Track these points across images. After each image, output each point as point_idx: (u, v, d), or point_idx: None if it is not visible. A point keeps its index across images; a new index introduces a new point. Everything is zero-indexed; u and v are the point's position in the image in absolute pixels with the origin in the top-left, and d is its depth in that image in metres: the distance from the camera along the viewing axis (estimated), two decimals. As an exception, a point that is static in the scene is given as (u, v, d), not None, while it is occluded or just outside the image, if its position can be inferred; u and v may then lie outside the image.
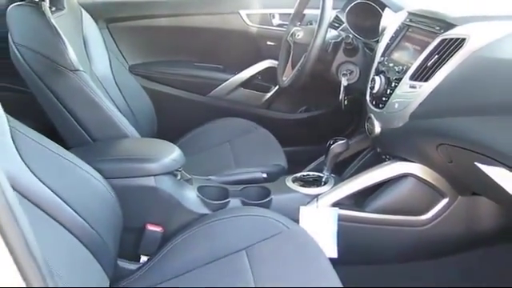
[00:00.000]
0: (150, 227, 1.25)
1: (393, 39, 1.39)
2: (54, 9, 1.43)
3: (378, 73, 1.36)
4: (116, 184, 1.13)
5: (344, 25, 1.73)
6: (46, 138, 1.01)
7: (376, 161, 1.42)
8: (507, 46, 1.00)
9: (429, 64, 1.14)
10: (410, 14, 1.39)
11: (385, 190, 1.34)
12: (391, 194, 1.33)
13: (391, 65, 1.33)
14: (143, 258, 1.25)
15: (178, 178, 1.32)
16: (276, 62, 1.86)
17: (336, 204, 1.34)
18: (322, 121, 2.02)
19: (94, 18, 1.73)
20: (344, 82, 1.54)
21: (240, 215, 1.23)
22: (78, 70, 1.30)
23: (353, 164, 1.58)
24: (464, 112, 1.03)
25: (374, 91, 1.32)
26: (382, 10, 1.53)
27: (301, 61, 1.54)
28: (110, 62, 1.72)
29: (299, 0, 1.73)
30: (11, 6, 1.33)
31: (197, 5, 2.00)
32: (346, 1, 1.80)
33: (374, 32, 1.53)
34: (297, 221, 1.30)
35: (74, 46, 1.34)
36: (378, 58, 1.41)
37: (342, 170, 1.57)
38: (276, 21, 2.02)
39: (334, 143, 1.39)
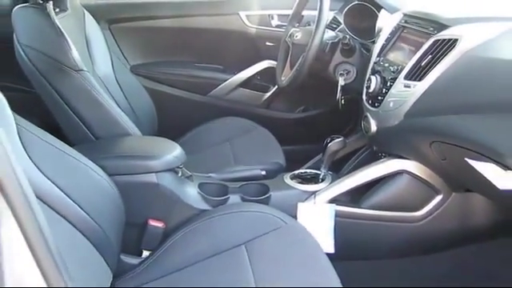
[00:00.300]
0: (152, 222, 1.27)
1: (388, 40, 1.42)
2: (57, 10, 1.45)
3: (373, 73, 1.38)
4: (119, 180, 1.15)
5: (341, 26, 1.75)
6: (50, 135, 1.02)
7: (372, 159, 1.44)
8: (498, 46, 1.03)
9: (422, 64, 1.17)
10: (405, 15, 1.41)
11: (380, 186, 1.36)
12: (386, 190, 1.35)
13: (387, 65, 1.35)
14: (145, 253, 1.26)
15: (179, 174, 1.34)
16: (275, 63, 1.87)
17: (333, 200, 1.36)
18: (320, 120, 2.04)
19: (96, 19, 1.74)
20: (341, 81, 1.56)
21: (239, 211, 1.25)
22: (81, 70, 1.31)
23: (350, 162, 1.60)
24: (456, 110, 1.05)
25: (370, 90, 1.35)
26: (379, 12, 1.55)
27: (299, 61, 1.56)
28: (111, 62, 1.73)
29: (298, 1, 1.75)
30: (16, 8, 1.35)
31: (197, 6, 2.02)
32: (343, 2, 1.83)
33: (371, 33, 1.55)
34: (295, 217, 1.32)
35: (77, 46, 1.35)
36: (373, 58, 1.43)
37: (339, 167, 1.59)
38: (275, 22, 2.04)
39: (331, 141, 1.41)
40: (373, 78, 1.35)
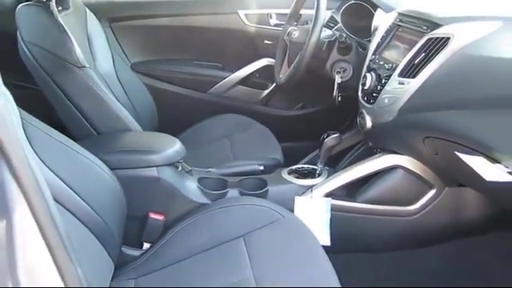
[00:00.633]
0: (153, 215, 1.29)
1: (384, 38, 1.44)
2: (60, 8, 1.46)
3: (369, 70, 1.41)
4: (121, 174, 1.17)
5: (338, 25, 1.78)
6: (54, 130, 1.04)
7: (368, 154, 1.47)
8: (488, 44, 1.05)
9: (416, 62, 1.19)
10: (400, 14, 1.43)
11: (375, 181, 1.39)
12: (381, 185, 1.37)
13: (382, 62, 1.37)
14: (146, 245, 1.29)
15: (179, 169, 1.36)
16: (273, 61, 1.88)
17: (329, 194, 1.39)
18: (317, 117, 2.05)
19: (97, 17, 1.76)
20: (338, 79, 1.58)
21: (238, 204, 1.27)
22: (84, 67, 1.34)
23: (346, 157, 1.62)
24: (447, 106, 1.08)
25: (366, 87, 1.36)
26: (375, 11, 1.57)
27: (296, 59, 1.58)
28: (112, 59, 1.74)
29: (295, 0, 1.76)
30: (20, 6, 1.36)
31: (197, 5, 2.03)
32: (340, 1, 1.84)
33: (367, 31, 1.58)
34: (292, 210, 1.35)
35: (79, 44, 1.37)
36: (369, 56, 1.45)
37: (335, 163, 1.61)
38: (273, 21, 2.05)
39: (327, 137, 1.44)
40: (368, 75, 1.37)
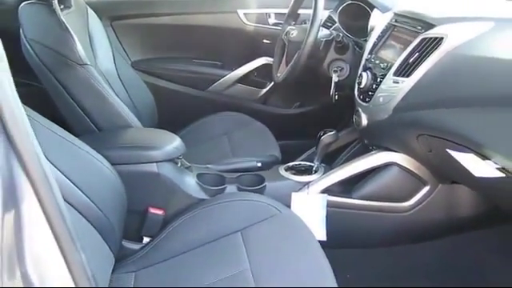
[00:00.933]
0: (152, 210, 1.31)
1: (380, 38, 1.46)
2: (62, 6, 1.46)
3: (365, 69, 1.43)
4: (121, 170, 1.19)
5: (336, 24, 1.79)
6: (56, 126, 1.06)
7: (363, 151, 1.48)
8: (481, 44, 1.07)
9: (410, 61, 1.21)
10: (395, 14, 1.45)
11: (370, 178, 1.41)
12: (376, 181, 1.39)
13: (377, 62, 1.39)
14: (145, 239, 1.30)
15: (179, 165, 1.38)
16: (272, 59, 1.89)
17: (325, 191, 1.41)
18: (315, 115, 2.06)
19: (98, 16, 1.76)
20: (335, 78, 1.60)
21: (236, 200, 1.28)
22: (85, 64, 1.35)
23: (342, 155, 1.64)
24: (440, 105, 1.10)
25: (361, 86, 1.39)
26: (371, 11, 1.59)
27: (294, 58, 1.59)
28: (113, 57, 1.75)
29: (294, 0, 1.77)
30: (23, 4, 1.37)
31: (196, 4, 2.04)
32: (338, 1, 1.86)
33: (364, 31, 1.59)
34: (289, 206, 1.36)
35: (81, 42, 1.38)
36: (365, 56, 1.47)
37: (332, 160, 1.63)
38: (272, 20, 2.06)
39: (324, 134, 1.46)
40: (364, 74, 1.39)
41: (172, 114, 1.89)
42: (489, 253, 1.50)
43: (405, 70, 1.23)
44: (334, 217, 1.39)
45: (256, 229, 1.16)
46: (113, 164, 1.17)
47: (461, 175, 1.10)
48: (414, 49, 1.23)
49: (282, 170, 1.50)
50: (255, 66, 2.06)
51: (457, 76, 1.09)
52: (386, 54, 1.40)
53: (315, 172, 1.48)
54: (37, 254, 0.56)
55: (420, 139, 1.20)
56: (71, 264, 0.57)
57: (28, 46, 1.34)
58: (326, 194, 1.40)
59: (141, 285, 1.08)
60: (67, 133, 1.09)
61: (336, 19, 1.80)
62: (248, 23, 2.04)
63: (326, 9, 1.61)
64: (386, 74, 1.31)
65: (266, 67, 2.03)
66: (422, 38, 1.21)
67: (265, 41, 2.05)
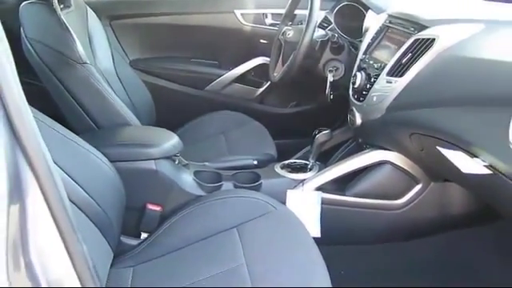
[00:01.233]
0: (150, 206, 1.33)
1: (374, 39, 1.47)
2: (62, 6, 1.47)
3: (359, 69, 1.44)
4: (120, 167, 1.20)
5: (332, 25, 1.81)
6: (57, 123, 1.08)
7: (357, 150, 1.50)
8: (471, 46, 1.09)
9: (403, 61, 1.23)
10: (389, 16, 1.47)
11: (364, 176, 1.42)
12: (370, 179, 1.41)
13: (371, 62, 1.41)
14: (143, 235, 1.32)
15: (176, 162, 1.40)
16: (268, 59, 1.91)
17: (320, 188, 1.43)
18: (311, 115, 2.08)
19: (98, 16, 1.78)
20: (330, 77, 1.62)
21: (232, 197, 1.30)
22: (85, 63, 1.37)
23: (337, 153, 1.66)
24: (431, 104, 1.12)
25: (356, 86, 1.40)
26: (366, 12, 1.61)
27: (290, 58, 1.61)
28: (112, 56, 1.77)
29: (290, 1, 1.79)
30: (24, 4, 1.39)
31: (194, 4, 2.05)
32: (334, 2, 1.87)
33: (359, 32, 1.61)
34: (284, 203, 1.38)
35: (80, 41, 1.39)
36: (360, 56, 1.49)
37: (326, 158, 1.65)
38: (269, 20, 2.07)
39: (318, 133, 1.48)
40: (358, 74, 1.41)
41: (170, 112, 1.90)
42: (481, 249, 1.52)
43: (398, 70, 1.25)
44: (328, 214, 1.40)
45: (252, 225, 1.18)
46: (112, 161, 1.18)
47: (450, 172, 1.12)
48: (406, 49, 1.24)
49: (277, 168, 1.52)
50: (252, 66, 2.08)
51: (448, 76, 1.11)
52: (380, 54, 1.42)
53: (310, 170, 1.50)
54: (40, 244, 0.57)
55: (412, 138, 1.22)
56: (73, 254, 0.59)
57: (29, 45, 1.35)
58: (320, 192, 1.41)
59: (139, 279, 1.09)
60: (68, 131, 1.11)
61: (332, 20, 1.81)
62: (245, 23, 2.05)
63: (321, 9, 1.63)
64: (379, 74, 1.33)
65: (262, 67, 2.04)
66: (415, 38, 1.23)
67: (262, 41, 2.06)
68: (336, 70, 1.64)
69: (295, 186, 1.44)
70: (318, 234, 1.38)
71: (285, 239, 1.14)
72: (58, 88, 1.38)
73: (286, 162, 1.57)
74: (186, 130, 1.88)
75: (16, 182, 0.56)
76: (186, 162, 1.45)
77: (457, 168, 1.00)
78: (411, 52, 1.22)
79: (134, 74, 1.97)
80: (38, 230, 0.58)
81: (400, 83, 1.22)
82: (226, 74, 2.09)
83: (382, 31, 1.46)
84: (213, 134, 1.82)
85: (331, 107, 1.74)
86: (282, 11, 1.85)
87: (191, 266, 1.09)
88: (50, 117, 1.07)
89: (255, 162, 1.58)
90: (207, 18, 2.06)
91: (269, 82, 2.07)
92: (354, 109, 1.43)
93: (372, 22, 1.54)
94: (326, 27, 1.86)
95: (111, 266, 1.10)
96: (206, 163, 1.55)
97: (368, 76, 1.39)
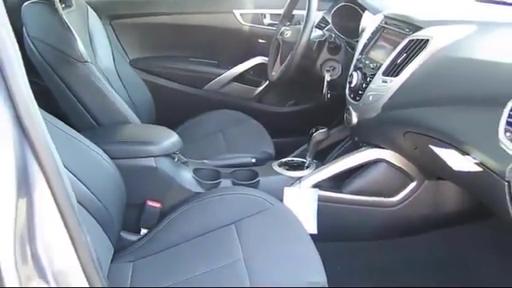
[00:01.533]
0: (150, 203, 1.35)
1: (370, 39, 1.50)
2: (63, 6, 1.49)
3: (355, 69, 1.47)
4: (120, 164, 1.22)
5: (329, 25, 1.83)
6: (59, 121, 1.09)
7: (353, 148, 1.52)
8: (464, 46, 1.12)
9: (398, 61, 1.26)
10: (385, 17, 1.49)
11: (360, 173, 1.44)
12: (365, 177, 1.43)
13: (367, 62, 1.43)
14: (143, 231, 1.34)
15: (176, 160, 1.42)
16: (267, 59, 1.93)
17: (316, 186, 1.44)
18: (308, 113, 2.09)
19: (98, 15, 1.79)
20: (327, 77, 1.64)
21: (230, 193, 1.31)
22: (86, 62, 1.39)
23: (333, 151, 1.68)
24: (425, 103, 1.15)
25: (352, 85, 1.43)
26: (363, 13, 1.63)
27: (288, 57, 1.63)
28: (112, 55, 1.78)
29: (288, 1, 1.81)
30: (26, 3, 1.41)
31: (194, 4, 2.07)
32: (331, 3, 1.90)
33: (356, 32, 1.63)
34: (281, 200, 1.40)
35: (81, 40, 1.41)
36: (356, 56, 1.51)
37: (323, 156, 1.67)
38: (267, 20, 2.09)
39: (315, 132, 1.50)
40: (354, 73, 1.43)
41: (169, 110, 1.91)
42: (474, 246, 1.54)
43: (393, 70, 1.27)
44: (324, 211, 1.42)
45: (249, 221, 1.19)
46: (112, 158, 1.20)
47: (443, 170, 1.14)
48: (401, 50, 1.27)
49: (275, 166, 1.54)
50: (251, 65, 2.09)
51: (441, 76, 1.14)
52: (376, 54, 1.44)
53: (307, 168, 1.52)
54: (47, 237, 0.59)
55: (407, 136, 1.24)
56: (78, 246, 0.61)
57: (31, 45, 1.37)
58: (317, 189, 1.43)
59: (138, 274, 1.11)
60: (69, 128, 1.13)
61: (329, 20, 1.84)
62: (244, 23, 2.07)
63: (319, 10, 1.65)
64: (375, 74, 1.35)
65: (261, 66, 2.06)
66: (410, 39, 1.25)
67: (260, 41, 2.08)
68: (333, 70, 1.66)
69: (292, 184, 1.46)
70: (314, 231, 1.40)
71: (282, 235, 1.16)
72: (60, 86, 1.40)
73: (284, 159, 1.58)
74: (185, 128, 1.90)
75: (24, 177, 0.57)
76: (186, 159, 1.47)
77: (449, 166, 1.02)
78: (406, 52, 1.25)
79: (134, 72, 1.98)
80: (45, 224, 0.59)
81: (395, 83, 1.24)
82: (225, 74, 2.10)
83: (378, 32, 1.48)
84: (212, 133, 1.84)
85: (328, 106, 1.75)
86: (281, 11, 1.87)
87: (190, 261, 1.11)
88: (52, 114, 1.09)
89: (253, 160, 1.59)
90: (207, 18, 2.07)
91: (267, 82, 2.08)
92: (351, 108, 1.45)
93: (368, 23, 1.56)
94: (324, 27, 1.88)
95: (112, 260, 1.12)
96: (205, 161, 1.57)
97: (364, 76, 1.41)
